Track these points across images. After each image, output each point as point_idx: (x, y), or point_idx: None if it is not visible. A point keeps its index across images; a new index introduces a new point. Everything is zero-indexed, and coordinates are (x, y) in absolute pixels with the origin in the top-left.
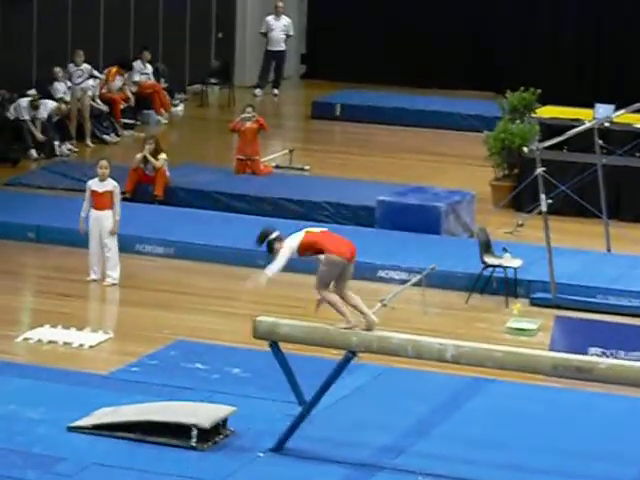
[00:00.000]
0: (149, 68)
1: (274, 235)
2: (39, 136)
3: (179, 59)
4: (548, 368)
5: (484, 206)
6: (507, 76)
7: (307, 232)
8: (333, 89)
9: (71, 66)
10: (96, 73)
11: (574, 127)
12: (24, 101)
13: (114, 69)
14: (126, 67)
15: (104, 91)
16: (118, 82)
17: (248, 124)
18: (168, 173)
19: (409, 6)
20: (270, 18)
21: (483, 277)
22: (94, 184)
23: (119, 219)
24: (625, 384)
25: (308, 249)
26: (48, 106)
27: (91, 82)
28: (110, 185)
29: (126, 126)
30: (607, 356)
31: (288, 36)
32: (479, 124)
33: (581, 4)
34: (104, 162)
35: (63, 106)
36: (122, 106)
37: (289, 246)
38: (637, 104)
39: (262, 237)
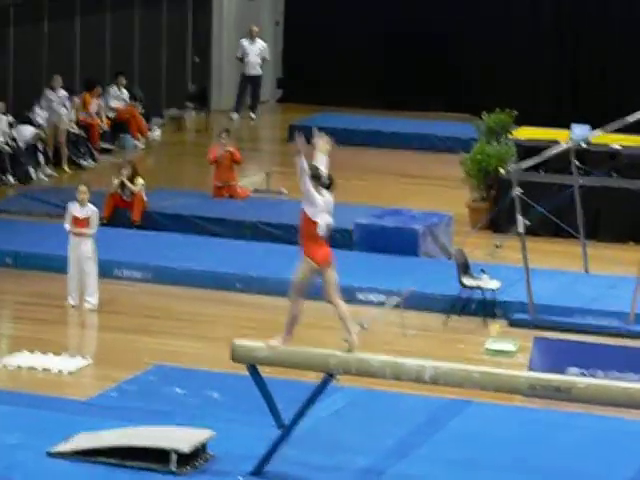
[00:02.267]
0: (125, 93)
1: None
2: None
3: (155, 84)
4: (526, 388)
5: (461, 228)
6: (483, 98)
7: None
8: (310, 113)
9: (48, 91)
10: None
11: (550, 148)
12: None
13: (87, 94)
14: (92, 87)
15: (81, 117)
16: (94, 106)
17: (225, 150)
18: (145, 198)
19: (384, 29)
20: (245, 42)
21: (461, 299)
22: (74, 209)
23: (93, 235)
24: (604, 404)
25: None
26: (27, 132)
27: (68, 106)
28: (90, 211)
29: (103, 151)
30: (585, 376)
31: (264, 60)
32: (455, 146)
33: (558, 25)
34: (83, 187)
35: (42, 132)
36: (100, 131)
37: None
38: (613, 123)
39: None
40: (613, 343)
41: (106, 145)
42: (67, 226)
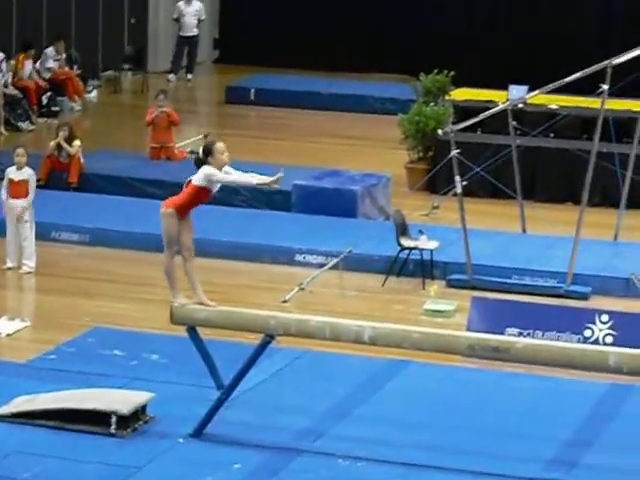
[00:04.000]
0: (62, 55)
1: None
2: None
3: (92, 45)
4: (465, 348)
5: (399, 189)
6: (420, 59)
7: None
8: (247, 74)
9: None
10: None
11: (488, 109)
12: None
13: (22, 55)
14: (29, 49)
15: (17, 78)
16: (27, 68)
17: (161, 112)
18: (82, 160)
19: None
20: (181, 4)
21: (399, 259)
22: (11, 172)
23: (27, 206)
24: (543, 364)
25: None
26: None
27: (4, 69)
28: (26, 174)
29: (40, 114)
30: (524, 336)
31: (200, 21)
32: (393, 107)
33: None
34: (21, 150)
35: None
36: (40, 93)
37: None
38: (551, 85)
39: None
40: (551, 303)
41: (43, 108)
42: (4, 195)
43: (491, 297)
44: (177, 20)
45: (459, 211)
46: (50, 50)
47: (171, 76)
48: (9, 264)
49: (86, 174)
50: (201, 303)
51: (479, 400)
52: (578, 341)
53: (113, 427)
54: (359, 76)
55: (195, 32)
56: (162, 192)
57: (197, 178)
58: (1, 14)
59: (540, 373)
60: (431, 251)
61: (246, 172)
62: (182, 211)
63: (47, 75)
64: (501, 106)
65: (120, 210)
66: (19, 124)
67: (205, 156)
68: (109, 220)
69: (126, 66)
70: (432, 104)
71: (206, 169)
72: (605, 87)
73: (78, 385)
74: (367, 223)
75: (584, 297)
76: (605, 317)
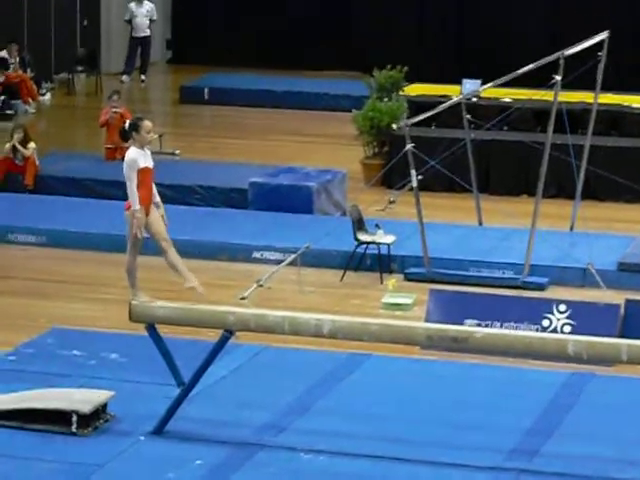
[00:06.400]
0: (15, 58)
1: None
2: None
3: (45, 48)
4: (424, 339)
5: (355, 184)
6: (374, 55)
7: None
8: (200, 73)
9: None
10: None
11: (442, 103)
12: None
13: None
14: None
15: None
16: None
17: (115, 112)
18: (38, 162)
19: None
20: (132, 5)
21: (357, 254)
22: None
23: None
24: (501, 353)
25: None
26: None
27: None
28: None
29: None
30: (482, 327)
31: (152, 21)
32: (348, 103)
33: None
34: None
35: None
36: None
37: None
38: (504, 77)
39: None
40: (508, 294)
41: None
42: None
43: (449, 289)
44: (129, 21)
45: (415, 205)
46: (3, 54)
47: (124, 77)
48: None
49: (42, 176)
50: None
51: (439, 391)
52: (536, 331)
53: (74, 426)
54: (313, 74)
55: (147, 33)
56: (118, 192)
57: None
58: None
59: (500, 364)
60: (388, 245)
61: None
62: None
63: (1, 79)
64: (455, 99)
65: (76, 211)
66: None
67: (130, 130)
68: (66, 221)
69: (79, 68)
70: (386, 100)
71: (128, 155)
72: (558, 78)
73: (38, 385)
74: (324, 219)
75: (541, 288)
76: (563, 307)
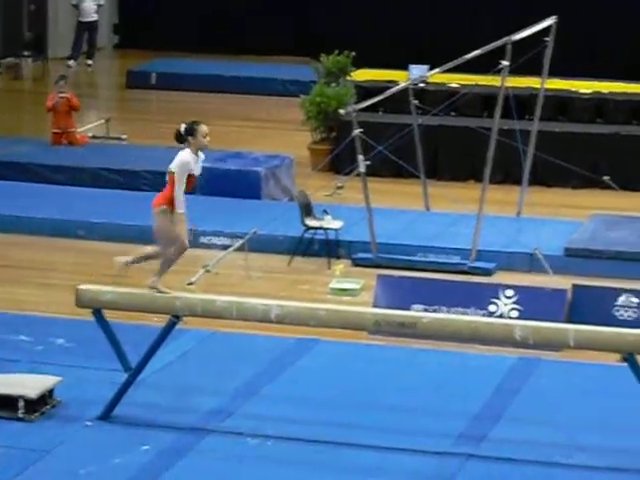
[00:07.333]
0: None
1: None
2: None
3: None
4: (372, 324)
5: (303, 170)
6: (321, 40)
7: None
8: (148, 58)
9: None
10: None
11: (389, 88)
12: None
13: None
14: None
15: None
16: None
17: (61, 97)
18: None
19: None
20: None
21: (305, 240)
22: None
23: None
24: (449, 338)
25: None
26: None
27: None
28: None
29: None
30: (430, 312)
31: (99, 6)
32: (295, 89)
33: None
34: None
35: None
36: None
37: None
38: (451, 63)
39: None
40: (455, 279)
41: None
42: None
43: (396, 275)
44: (76, 6)
45: (363, 190)
46: None
47: (71, 62)
48: None
49: None
50: (155, 288)
51: (387, 377)
52: (484, 316)
53: (21, 411)
54: (261, 59)
55: (94, 17)
56: (64, 177)
57: (174, 165)
58: None
59: (447, 349)
60: (336, 231)
61: None
62: (173, 204)
63: None
64: (402, 85)
65: (22, 196)
66: None
67: (186, 135)
68: (11, 206)
69: (26, 53)
70: (333, 85)
71: (181, 156)
72: (506, 63)
73: None
74: (271, 204)
75: (488, 273)
76: (510, 292)
